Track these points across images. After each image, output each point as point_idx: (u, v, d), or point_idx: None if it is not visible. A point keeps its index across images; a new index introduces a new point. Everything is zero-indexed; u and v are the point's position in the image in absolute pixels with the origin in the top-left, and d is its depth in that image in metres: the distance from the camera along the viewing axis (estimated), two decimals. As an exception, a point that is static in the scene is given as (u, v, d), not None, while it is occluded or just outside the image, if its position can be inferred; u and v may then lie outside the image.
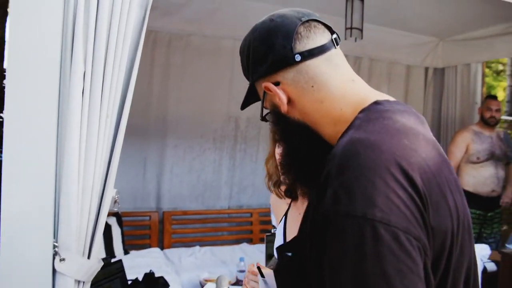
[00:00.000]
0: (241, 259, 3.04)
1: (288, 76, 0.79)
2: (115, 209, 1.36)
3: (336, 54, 0.81)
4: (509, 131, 6.04)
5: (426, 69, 4.72)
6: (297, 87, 0.79)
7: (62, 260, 1.20)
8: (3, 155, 1.15)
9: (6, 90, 1.15)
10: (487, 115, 3.73)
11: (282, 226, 1.29)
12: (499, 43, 3.81)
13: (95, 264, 1.29)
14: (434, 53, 4.48)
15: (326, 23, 0.82)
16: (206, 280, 2.91)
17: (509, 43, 3.73)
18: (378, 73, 4.52)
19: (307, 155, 0.82)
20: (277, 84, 0.80)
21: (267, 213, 4.19)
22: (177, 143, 3.98)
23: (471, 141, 3.69)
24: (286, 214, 1.31)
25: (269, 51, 0.79)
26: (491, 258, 2.93)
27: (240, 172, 4.23)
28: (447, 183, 0.69)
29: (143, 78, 3.54)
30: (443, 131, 4.56)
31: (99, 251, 1.32)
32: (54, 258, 1.20)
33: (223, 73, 3.98)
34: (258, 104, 0.94)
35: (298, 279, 0.74)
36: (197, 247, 3.90)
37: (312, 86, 0.78)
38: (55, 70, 1.19)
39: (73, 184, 1.20)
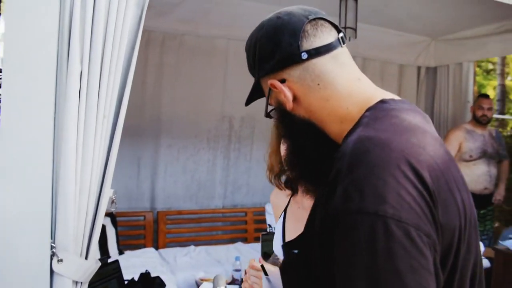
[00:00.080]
0: (237, 258, 3.04)
1: (294, 73, 0.79)
2: (112, 209, 1.35)
3: (342, 53, 0.81)
4: (500, 129, 6.10)
5: (419, 68, 4.75)
6: (303, 85, 0.79)
7: (60, 261, 1.19)
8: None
9: (2, 90, 1.14)
10: (479, 113, 3.77)
11: (281, 221, 1.30)
12: (491, 42, 3.85)
13: (93, 264, 1.29)
14: (426, 53, 4.52)
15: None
16: (202, 280, 2.91)
17: (500, 42, 3.77)
18: (371, 72, 4.54)
19: (312, 152, 0.82)
20: (283, 81, 0.80)
21: (262, 212, 4.20)
22: (171, 143, 3.97)
23: (463, 140, 3.72)
24: (285, 210, 1.32)
25: (276, 48, 0.79)
26: (485, 255, 2.96)
27: (234, 172, 4.23)
28: (454, 181, 0.70)
29: (137, 78, 3.50)
30: (436, 130, 4.58)
31: (95, 251, 1.32)
32: (51, 259, 1.19)
33: (217, 73, 3.97)
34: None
35: (304, 276, 0.74)
36: (192, 247, 3.89)
37: (318, 84, 0.78)
38: (51, 70, 1.18)
39: (70, 184, 1.19)
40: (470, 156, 3.68)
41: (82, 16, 1.18)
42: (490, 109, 3.79)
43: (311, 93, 0.79)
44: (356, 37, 3.00)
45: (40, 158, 1.18)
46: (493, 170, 3.76)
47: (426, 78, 4.78)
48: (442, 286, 0.65)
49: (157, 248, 3.86)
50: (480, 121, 3.77)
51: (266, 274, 1.11)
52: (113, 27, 1.22)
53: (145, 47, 3.68)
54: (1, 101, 1.14)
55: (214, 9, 3.46)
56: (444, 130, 4.39)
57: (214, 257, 3.72)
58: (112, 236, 3.48)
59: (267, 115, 0.88)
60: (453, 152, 3.72)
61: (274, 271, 1.11)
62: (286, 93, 0.80)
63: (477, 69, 8.44)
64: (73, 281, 1.23)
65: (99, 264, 1.33)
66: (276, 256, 1.34)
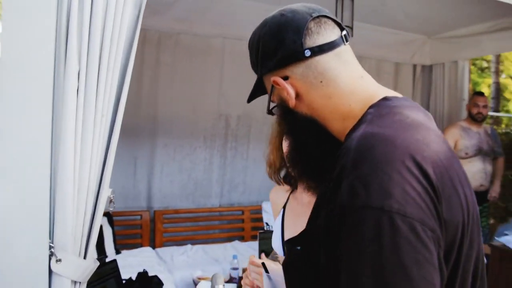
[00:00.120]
0: (234, 257, 3.04)
1: (297, 71, 0.79)
2: (111, 209, 1.35)
3: (345, 51, 0.81)
4: (494, 127, 6.14)
5: (414, 66, 4.77)
6: (306, 82, 0.79)
7: (58, 260, 1.19)
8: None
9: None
10: (475, 111, 3.79)
11: (280, 218, 1.31)
12: (486, 40, 3.86)
13: (91, 264, 1.28)
14: (422, 51, 4.53)
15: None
16: (200, 278, 2.91)
17: (495, 40, 3.79)
18: (367, 70, 4.39)
19: (314, 149, 0.83)
20: (285, 78, 0.80)
21: (259, 211, 4.20)
22: (168, 142, 3.97)
23: (459, 137, 3.75)
24: (284, 207, 1.32)
25: (279, 45, 0.79)
26: (481, 252, 2.98)
27: (231, 170, 4.23)
28: (457, 177, 0.71)
29: (133, 77, 3.47)
30: (433, 127, 4.61)
31: (93, 251, 1.31)
32: (50, 259, 1.19)
33: (213, 72, 3.96)
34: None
35: (307, 274, 0.75)
36: (189, 246, 3.90)
37: (321, 82, 0.79)
38: (49, 70, 1.17)
39: (68, 184, 1.19)
40: (466, 154, 3.71)
41: (79, 15, 1.18)
42: (485, 106, 3.81)
43: (314, 90, 0.79)
44: (352, 36, 3.00)
45: (38, 157, 1.18)
46: (489, 167, 3.78)
47: (422, 76, 4.80)
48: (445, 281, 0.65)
49: (154, 247, 3.86)
50: (475, 118, 3.79)
51: (267, 271, 1.11)
52: (111, 26, 1.22)
53: (141, 46, 3.67)
54: (-1, 101, 1.14)
55: (210, 8, 3.45)
56: (440, 127, 4.36)
57: (211, 255, 3.72)
58: (109, 235, 3.48)
59: (270, 112, 0.88)
60: (449, 149, 3.74)
61: (275, 268, 1.11)
62: (289, 90, 0.80)
63: (472, 67, 8.50)
64: (72, 280, 1.22)
65: (98, 263, 1.33)
66: (275, 253, 1.34)
